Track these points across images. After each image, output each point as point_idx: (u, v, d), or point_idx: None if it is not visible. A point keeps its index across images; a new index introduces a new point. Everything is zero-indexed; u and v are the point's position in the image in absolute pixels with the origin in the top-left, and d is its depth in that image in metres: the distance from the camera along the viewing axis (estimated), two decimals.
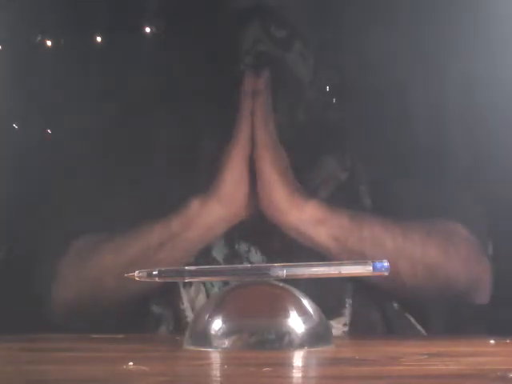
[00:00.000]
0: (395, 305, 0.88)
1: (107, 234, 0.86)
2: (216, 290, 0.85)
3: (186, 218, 0.83)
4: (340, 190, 0.92)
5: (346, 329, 0.84)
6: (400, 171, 0.90)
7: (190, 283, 0.86)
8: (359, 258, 0.81)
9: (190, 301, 0.86)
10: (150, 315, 0.88)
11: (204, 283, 0.86)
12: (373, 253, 0.82)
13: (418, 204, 0.87)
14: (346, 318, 0.85)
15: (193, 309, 0.85)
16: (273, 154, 0.83)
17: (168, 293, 0.86)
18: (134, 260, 0.83)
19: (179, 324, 0.85)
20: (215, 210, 0.83)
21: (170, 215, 0.84)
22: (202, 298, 0.85)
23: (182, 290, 0.86)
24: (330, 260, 0.82)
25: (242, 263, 0.86)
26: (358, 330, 0.84)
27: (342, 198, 0.90)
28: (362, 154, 0.93)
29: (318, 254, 0.83)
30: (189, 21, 0.96)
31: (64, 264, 0.86)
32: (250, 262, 0.87)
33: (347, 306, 0.86)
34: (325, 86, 0.96)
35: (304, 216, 0.83)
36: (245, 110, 0.84)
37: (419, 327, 0.88)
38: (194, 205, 0.83)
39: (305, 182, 0.88)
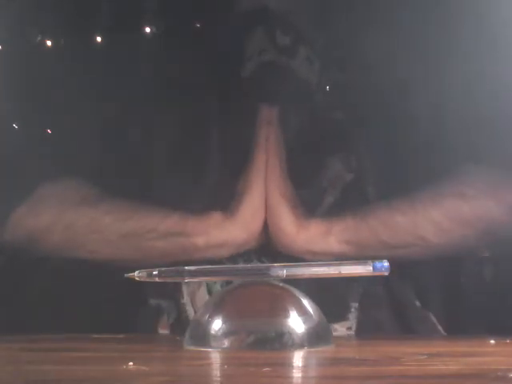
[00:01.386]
0: (417, 303, 0.88)
1: (99, 190, 0.86)
2: (218, 286, 0.85)
3: (203, 225, 0.84)
4: (346, 192, 0.92)
5: (350, 332, 0.84)
6: (404, 168, 0.90)
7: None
8: (379, 247, 0.82)
9: (189, 294, 0.86)
10: (149, 307, 0.87)
11: None
12: (389, 235, 0.83)
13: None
14: (350, 321, 0.85)
15: (192, 303, 0.85)
16: (281, 182, 0.86)
17: (169, 286, 0.86)
18: (130, 232, 0.83)
19: (179, 317, 0.85)
20: (231, 231, 0.84)
21: (189, 214, 0.84)
22: (202, 293, 0.85)
23: (184, 284, 0.86)
24: None
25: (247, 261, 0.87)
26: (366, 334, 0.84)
27: (348, 200, 0.90)
28: (366, 154, 0.93)
29: None
30: (192, 24, 0.96)
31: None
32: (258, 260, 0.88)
33: (353, 309, 0.85)
34: (330, 88, 0.96)
35: (311, 233, 0.84)
36: (260, 138, 0.87)
37: (440, 327, 0.87)
38: (215, 218, 0.84)
39: (313, 185, 0.89)
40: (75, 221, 0.84)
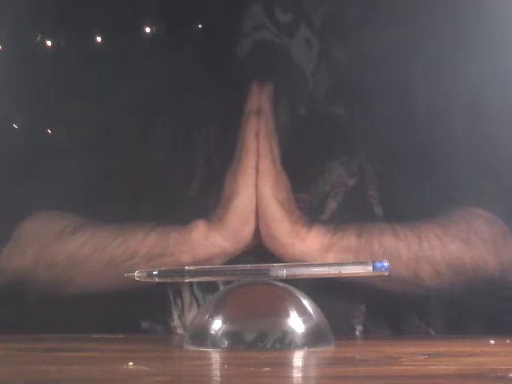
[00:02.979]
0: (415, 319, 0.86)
1: (82, 221, 0.82)
2: None
3: (186, 239, 0.78)
4: (349, 198, 0.87)
5: None
6: (407, 172, 0.86)
7: (182, 300, 0.84)
8: (375, 276, 0.76)
9: (179, 317, 0.84)
10: (141, 330, 0.85)
11: (197, 300, 0.84)
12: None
13: (430, 205, 0.83)
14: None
15: (183, 325, 0.83)
16: (275, 183, 0.78)
17: (160, 309, 0.84)
18: (112, 260, 0.78)
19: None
20: (218, 243, 0.78)
21: (170, 229, 0.79)
22: (191, 315, 0.82)
23: (173, 307, 0.84)
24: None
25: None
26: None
27: (351, 207, 0.86)
28: (368, 156, 0.89)
29: None
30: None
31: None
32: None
33: (357, 332, 0.83)
34: (328, 77, 0.89)
35: (308, 246, 0.77)
36: (249, 132, 0.78)
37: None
38: (199, 229, 0.78)
39: (313, 190, 0.85)
40: (56, 256, 0.80)
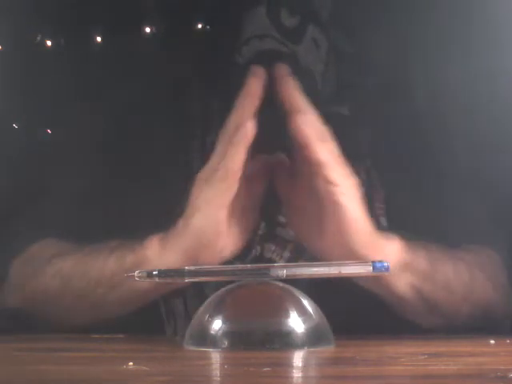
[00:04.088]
0: None
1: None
2: None
3: (141, 260, 0.70)
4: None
5: None
6: (415, 183, 0.83)
7: (175, 321, 0.83)
8: (429, 308, 0.74)
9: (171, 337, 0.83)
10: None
11: (191, 319, 0.82)
12: (443, 299, 0.73)
13: (438, 226, 0.80)
14: None
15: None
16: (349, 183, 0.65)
17: (152, 330, 0.82)
18: (80, 292, 0.74)
19: None
20: (175, 260, 0.68)
21: (127, 249, 0.71)
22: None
23: (167, 327, 0.83)
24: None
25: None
26: None
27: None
28: (375, 163, 0.84)
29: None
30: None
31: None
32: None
33: None
34: (335, 76, 0.85)
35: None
36: (240, 136, 0.65)
37: None
38: (153, 247, 0.70)
39: None
40: (35, 291, 0.77)
